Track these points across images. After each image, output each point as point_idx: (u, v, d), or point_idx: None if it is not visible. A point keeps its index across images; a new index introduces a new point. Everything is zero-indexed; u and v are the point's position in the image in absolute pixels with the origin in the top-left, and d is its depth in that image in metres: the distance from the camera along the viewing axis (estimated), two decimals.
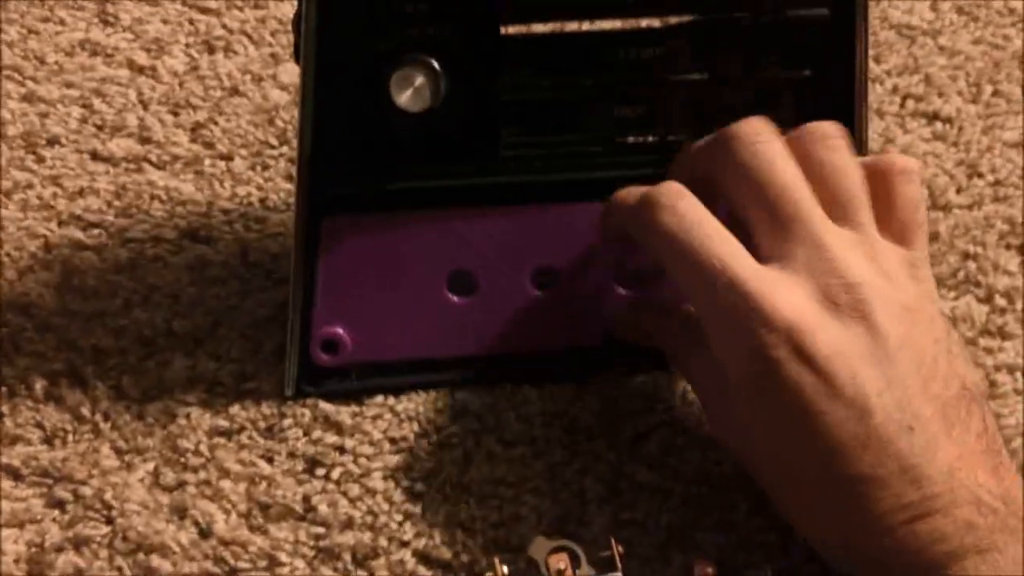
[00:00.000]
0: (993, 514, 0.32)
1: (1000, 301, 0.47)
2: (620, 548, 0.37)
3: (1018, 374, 0.44)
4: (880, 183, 0.38)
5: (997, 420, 0.38)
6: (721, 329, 0.36)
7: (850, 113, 0.42)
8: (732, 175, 0.37)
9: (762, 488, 0.38)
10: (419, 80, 0.40)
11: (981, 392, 0.36)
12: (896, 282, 0.36)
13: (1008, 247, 0.50)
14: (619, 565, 0.37)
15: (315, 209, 0.41)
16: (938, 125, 0.55)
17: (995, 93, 0.57)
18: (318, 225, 0.42)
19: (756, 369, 0.35)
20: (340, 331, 0.43)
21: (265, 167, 0.52)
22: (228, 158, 0.52)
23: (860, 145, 0.43)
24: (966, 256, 0.49)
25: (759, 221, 0.37)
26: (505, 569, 0.37)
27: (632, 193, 0.39)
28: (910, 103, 0.56)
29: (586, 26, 0.43)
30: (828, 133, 0.38)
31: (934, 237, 0.50)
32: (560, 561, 0.36)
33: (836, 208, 0.37)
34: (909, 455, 0.33)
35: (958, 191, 0.52)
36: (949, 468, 0.33)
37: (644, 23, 0.43)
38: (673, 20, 0.42)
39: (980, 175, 0.53)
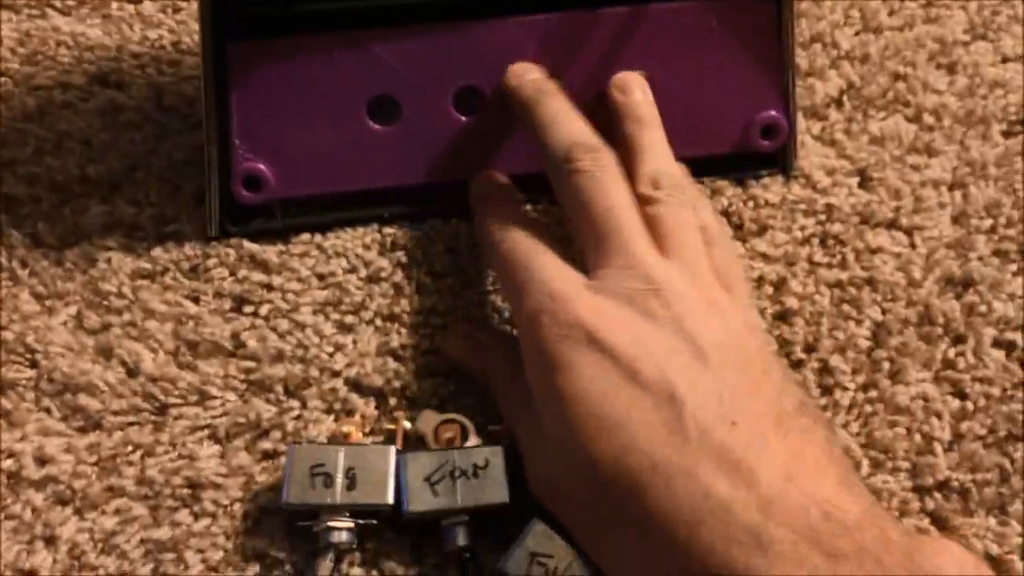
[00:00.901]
0: (848, 536, 0.28)
1: (928, 119, 0.47)
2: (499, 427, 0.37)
3: (943, 188, 0.45)
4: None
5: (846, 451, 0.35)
6: (522, 334, 0.35)
7: None
8: (568, 193, 0.37)
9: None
10: None
11: (822, 419, 0.33)
12: (724, 310, 0.34)
13: (938, 67, 0.50)
14: (504, 440, 0.37)
15: (221, 33, 0.40)
16: None
17: None
18: (225, 51, 0.40)
19: (552, 363, 0.33)
20: (261, 166, 0.41)
21: (177, 10, 0.50)
22: (136, 0, 0.50)
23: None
24: (896, 77, 0.49)
25: (585, 237, 0.36)
26: (407, 424, 0.37)
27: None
28: None
29: None
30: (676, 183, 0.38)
31: (864, 58, 0.49)
32: (448, 431, 0.36)
33: (668, 250, 0.36)
34: (733, 448, 0.30)
35: (890, 13, 0.52)
36: (786, 472, 0.30)
37: None
38: None
39: None
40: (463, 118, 0.42)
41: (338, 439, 0.37)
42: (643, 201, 0.37)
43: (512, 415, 0.37)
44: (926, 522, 0.36)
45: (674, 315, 0.33)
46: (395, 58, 0.41)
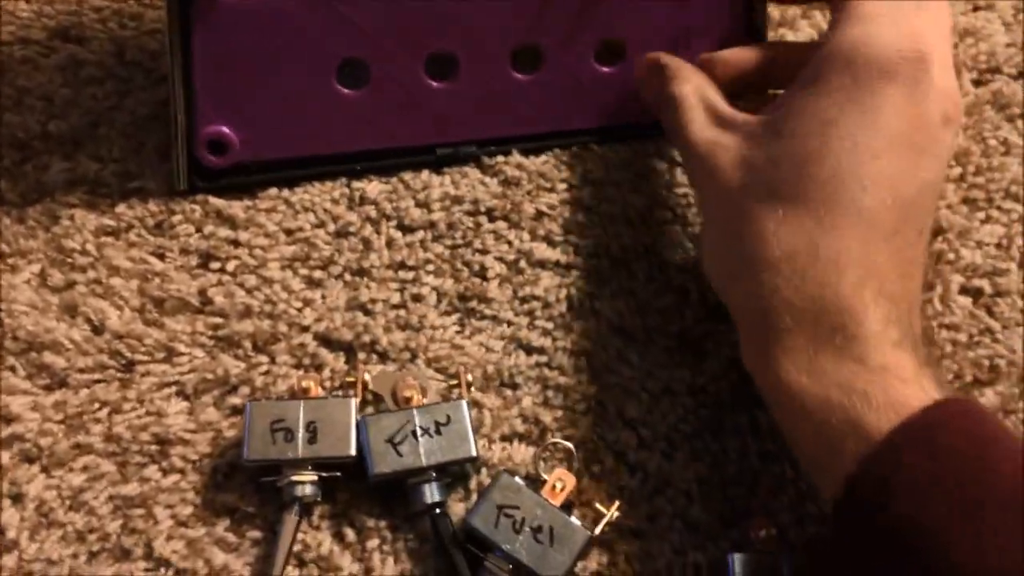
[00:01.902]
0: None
1: None
2: (469, 377, 0.37)
3: None
4: None
5: None
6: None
7: None
8: None
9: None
10: None
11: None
12: None
13: None
14: (465, 394, 0.37)
15: None
16: None
17: None
18: (188, 5, 0.39)
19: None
20: (226, 130, 0.41)
21: None
22: None
23: None
24: None
25: None
26: (367, 376, 0.37)
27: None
28: None
29: None
30: None
31: None
32: (407, 390, 0.36)
33: None
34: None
35: None
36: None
37: None
38: None
39: None
40: (434, 84, 0.42)
41: (298, 394, 0.36)
42: None
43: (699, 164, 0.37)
44: None
45: None
46: (365, 20, 0.40)
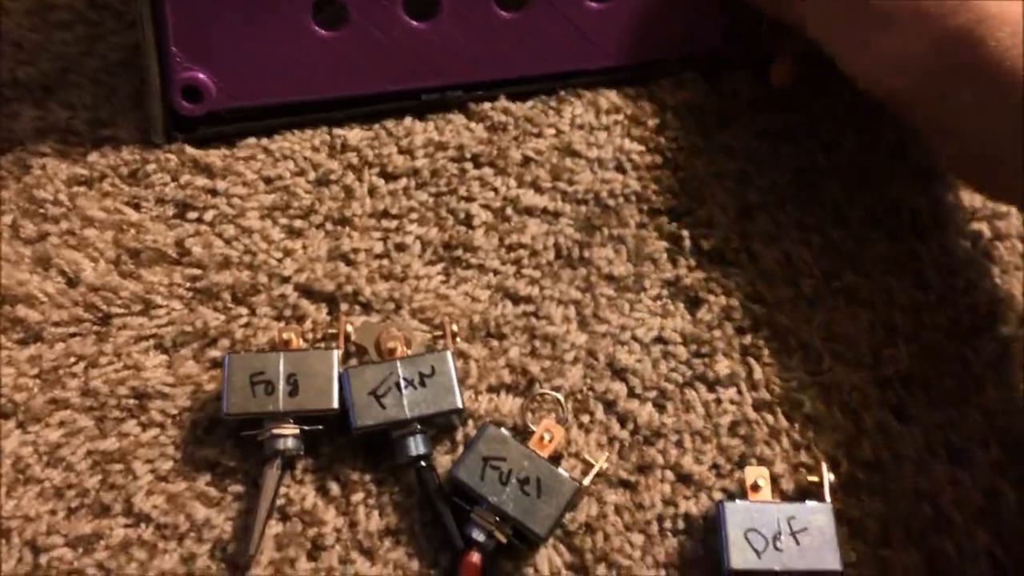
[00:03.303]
0: None
1: None
2: (454, 328, 0.36)
3: None
4: None
5: None
6: None
7: None
8: None
9: None
10: None
11: None
12: None
13: None
14: (450, 344, 0.36)
15: None
16: None
17: None
18: None
19: None
20: (201, 76, 0.39)
21: None
22: None
23: None
24: None
25: None
26: (350, 328, 0.36)
27: None
28: None
29: None
30: None
31: None
32: (391, 341, 0.35)
33: None
34: None
35: None
36: None
37: None
38: None
39: None
40: (415, 23, 0.40)
41: (279, 347, 0.35)
42: None
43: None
44: (887, 414, 0.36)
45: None
46: None
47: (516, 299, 0.38)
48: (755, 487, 0.33)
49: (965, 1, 0.32)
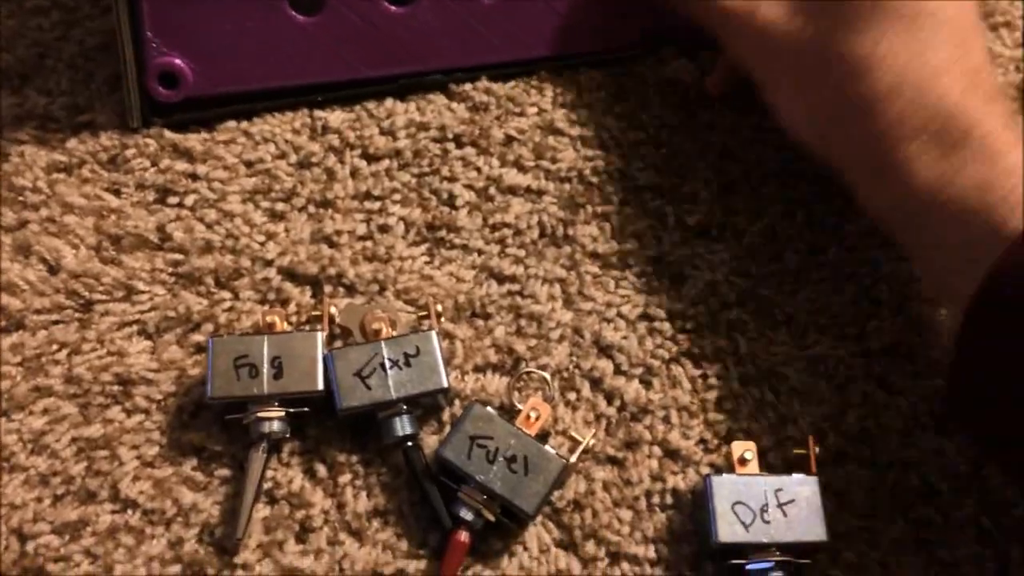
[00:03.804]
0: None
1: None
2: (439, 308, 0.36)
3: None
4: None
5: None
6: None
7: None
8: None
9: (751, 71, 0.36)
10: None
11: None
12: None
13: None
14: (435, 324, 0.35)
15: None
16: None
17: None
18: None
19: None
20: (177, 61, 0.39)
21: None
22: None
23: None
24: None
25: None
26: (334, 310, 0.36)
27: None
28: None
29: None
30: None
31: None
32: (376, 322, 0.35)
33: None
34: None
35: None
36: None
37: None
38: None
39: None
40: (394, 8, 0.40)
41: (263, 330, 0.35)
42: None
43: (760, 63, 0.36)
44: (873, 385, 0.36)
45: None
46: None
47: (501, 278, 0.38)
48: (742, 461, 0.33)
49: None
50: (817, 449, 0.34)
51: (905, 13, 0.33)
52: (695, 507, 0.33)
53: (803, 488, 0.32)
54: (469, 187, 0.40)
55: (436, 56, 0.41)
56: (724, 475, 0.32)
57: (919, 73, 0.32)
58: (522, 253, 0.38)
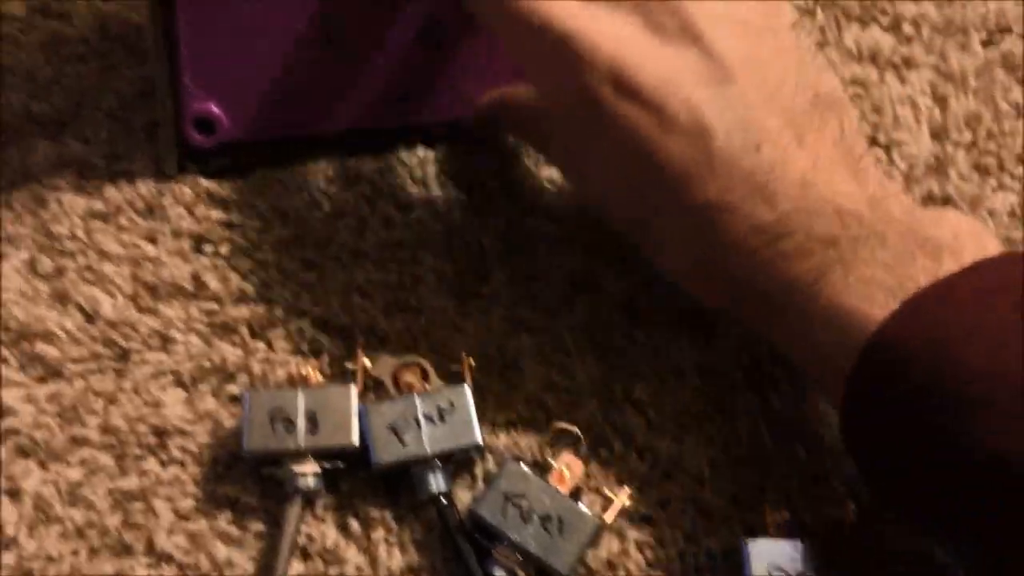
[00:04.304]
0: (858, 223, 0.31)
1: (907, 29, 0.46)
2: (471, 362, 0.36)
3: (922, 102, 0.43)
4: None
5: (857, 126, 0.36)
6: (543, 75, 0.34)
7: None
8: None
9: (620, 231, 0.36)
10: None
11: (836, 99, 0.34)
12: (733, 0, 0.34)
13: None
14: (468, 379, 0.36)
15: None
16: None
17: None
18: None
19: (584, 111, 0.33)
20: (213, 107, 0.39)
21: None
22: None
23: None
24: None
25: None
26: (367, 361, 0.36)
27: None
28: None
29: None
30: None
31: None
32: (408, 375, 0.35)
33: None
34: (758, 174, 0.31)
35: None
36: (802, 181, 0.31)
37: None
38: None
39: None
40: (428, 58, 0.40)
41: (297, 381, 0.36)
42: None
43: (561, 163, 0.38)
44: None
45: (692, 31, 0.33)
46: None
47: (532, 330, 0.38)
48: (775, 521, 0.33)
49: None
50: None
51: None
52: (731, 569, 0.33)
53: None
54: (499, 237, 0.40)
55: (468, 105, 0.41)
56: (760, 539, 0.32)
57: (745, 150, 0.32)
58: (553, 304, 0.39)
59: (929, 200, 0.41)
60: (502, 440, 0.36)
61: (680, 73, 0.32)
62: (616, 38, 0.33)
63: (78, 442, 0.35)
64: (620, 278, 0.39)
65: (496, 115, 0.40)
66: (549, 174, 0.41)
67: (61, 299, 0.38)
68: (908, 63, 0.45)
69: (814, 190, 0.31)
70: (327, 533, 0.34)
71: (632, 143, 0.32)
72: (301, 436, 0.33)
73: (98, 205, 0.40)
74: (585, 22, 0.33)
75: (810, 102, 0.33)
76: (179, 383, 0.37)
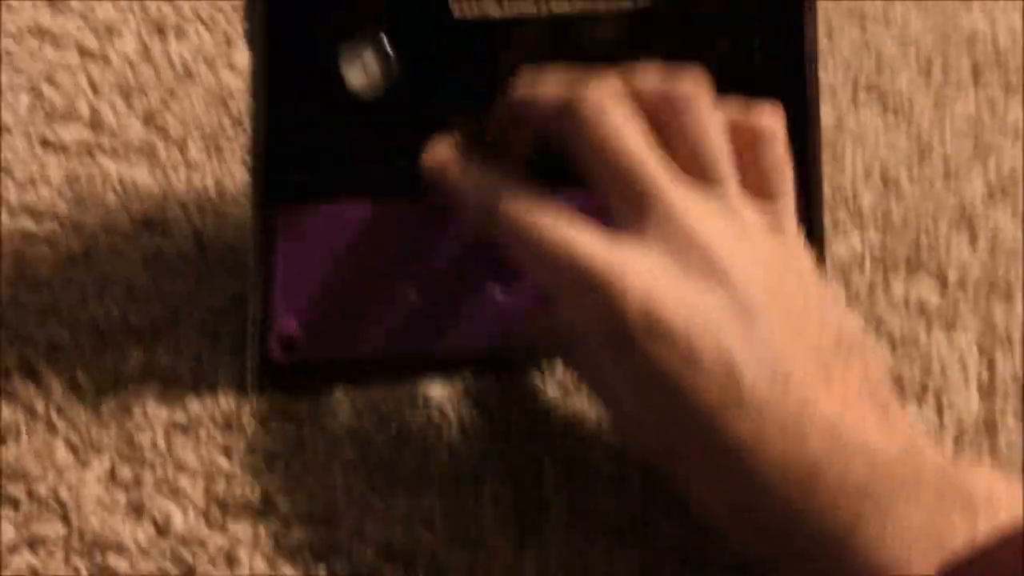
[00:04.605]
0: (890, 472, 0.31)
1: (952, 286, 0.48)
2: None
3: (970, 359, 0.45)
4: (744, 140, 0.37)
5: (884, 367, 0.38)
6: (570, 308, 0.36)
7: (802, 96, 0.43)
8: (580, 148, 0.36)
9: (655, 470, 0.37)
10: (368, 56, 0.39)
11: (859, 341, 0.35)
12: (756, 239, 0.35)
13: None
14: None
15: (271, 197, 0.41)
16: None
17: None
18: (274, 214, 0.41)
19: (613, 348, 0.34)
20: (296, 328, 0.42)
21: (220, 152, 0.51)
22: (182, 144, 0.51)
23: (812, 124, 0.43)
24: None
25: (611, 194, 0.36)
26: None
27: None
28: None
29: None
30: (686, 93, 0.36)
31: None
32: None
33: (694, 168, 0.36)
34: (787, 413, 0.32)
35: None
36: (832, 423, 0.32)
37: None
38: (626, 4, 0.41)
39: None
40: (500, 293, 0.43)
41: None
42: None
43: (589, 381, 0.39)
44: None
45: (719, 270, 0.34)
46: (436, 228, 0.42)
47: (587, 570, 0.39)
48: None
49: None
50: None
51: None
52: None
53: None
54: (560, 469, 0.41)
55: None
56: None
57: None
58: (610, 542, 0.39)
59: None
60: None
61: (708, 313, 0.33)
62: (647, 278, 0.34)
63: None
64: (671, 517, 0.40)
65: (534, 339, 0.42)
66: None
67: (136, 510, 0.39)
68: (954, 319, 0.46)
69: (845, 433, 0.32)
70: None
71: (665, 382, 0.33)
72: None
73: (181, 417, 0.42)
74: (616, 259, 0.34)
75: (834, 340, 0.34)
76: None
